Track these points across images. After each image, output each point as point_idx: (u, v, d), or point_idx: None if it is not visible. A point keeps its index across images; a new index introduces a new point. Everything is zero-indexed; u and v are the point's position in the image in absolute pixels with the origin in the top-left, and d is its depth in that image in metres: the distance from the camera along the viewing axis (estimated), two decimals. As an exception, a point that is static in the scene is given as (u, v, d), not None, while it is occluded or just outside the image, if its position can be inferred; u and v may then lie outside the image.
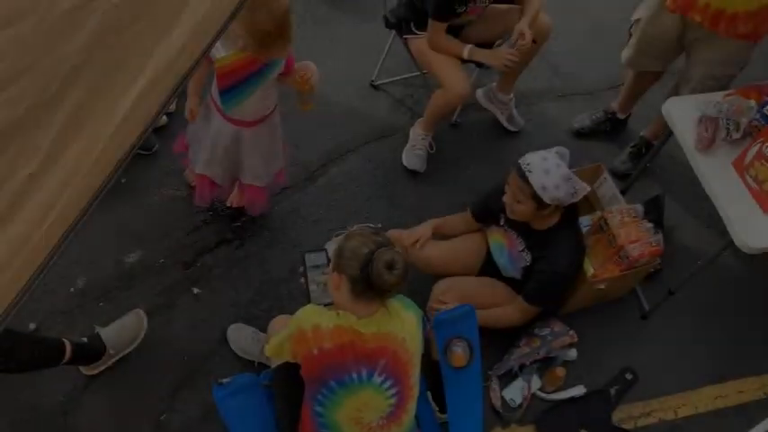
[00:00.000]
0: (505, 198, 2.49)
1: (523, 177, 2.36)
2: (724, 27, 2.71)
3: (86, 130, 0.76)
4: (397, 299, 2.12)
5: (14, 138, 0.69)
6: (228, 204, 3.12)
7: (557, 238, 2.56)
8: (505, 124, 3.60)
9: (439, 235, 2.84)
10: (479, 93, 3.61)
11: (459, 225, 2.86)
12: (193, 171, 2.91)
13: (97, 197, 0.85)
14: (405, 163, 3.39)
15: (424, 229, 2.79)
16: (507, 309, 2.69)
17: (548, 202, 2.37)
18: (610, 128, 3.65)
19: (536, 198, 2.37)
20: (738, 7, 2.64)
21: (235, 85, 2.46)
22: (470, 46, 3.05)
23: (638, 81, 3.40)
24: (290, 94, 3.56)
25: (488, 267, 2.79)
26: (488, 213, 2.76)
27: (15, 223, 0.73)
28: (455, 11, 2.95)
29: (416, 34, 3.16)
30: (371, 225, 3.05)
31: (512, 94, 3.53)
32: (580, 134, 3.65)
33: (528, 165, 2.37)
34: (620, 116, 3.62)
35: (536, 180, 2.34)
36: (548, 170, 2.35)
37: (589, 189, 2.47)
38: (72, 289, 2.85)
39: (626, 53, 3.21)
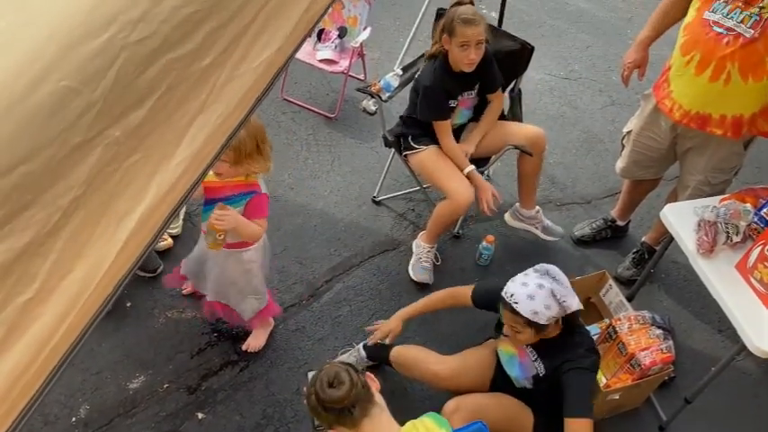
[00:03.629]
0: (505, 330, 2.48)
1: (512, 310, 2.36)
2: (747, 130, 2.77)
3: (85, 257, 0.78)
4: (430, 416, 2.10)
5: (15, 268, 0.71)
6: (245, 348, 3.09)
7: (569, 341, 2.50)
8: (543, 237, 3.58)
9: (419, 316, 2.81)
10: (507, 216, 3.62)
11: (436, 304, 2.82)
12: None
13: (94, 322, 0.85)
14: (413, 277, 3.39)
15: (393, 322, 2.75)
16: None
17: (544, 323, 2.35)
18: (610, 235, 3.68)
19: (532, 324, 2.36)
20: (754, 109, 2.71)
21: (211, 201, 2.56)
22: (472, 167, 3.18)
23: (635, 189, 3.46)
24: (295, 213, 3.63)
25: (499, 379, 2.73)
26: (489, 306, 2.71)
27: (13, 353, 0.73)
28: (449, 105, 3.15)
29: (415, 148, 3.27)
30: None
31: (536, 207, 3.55)
32: (581, 242, 3.67)
33: (512, 296, 2.36)
34: (620, 223, 3.66)
35: (524, 309, 2.33)
36: (531, 295, 2.33)
37: (577, 300, 2.43)
38: (74, 419, 2.78)
39: (620, 164, 3.29)
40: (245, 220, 2.55)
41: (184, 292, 3.17)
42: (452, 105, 3.18)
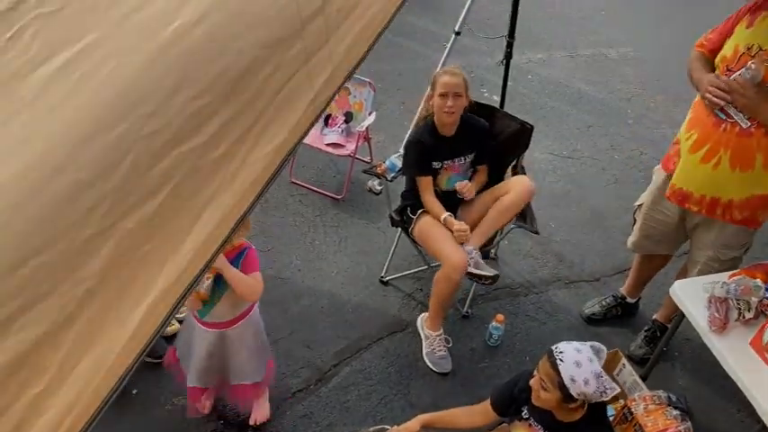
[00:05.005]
0: (532, 382, 2.42)
1: (554, 365, 2.31)
2: (721, 213, 2.80)
3: (96, 347, 0.78)
4: None
5: (28, 360, 0.71)
6: (252, 423, 3.01)
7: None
8: (474, 270, 3.20)
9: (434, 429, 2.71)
10: None
11: (460, 417, 2.74)
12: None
13: (101, 411, 0.84)
14: (432, 368, 3.34)
15: (411, 424, 2.68)
16: None
17: (574, 395, 2.29)
18: (621, 312, 3.64)
19: (562, 388, 2.30)
20: (733, 196, 2.75)
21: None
22: (448, 214, 3.25)
23: (645, 265, 3.45)
24: (302, 295, 3.62)
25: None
26: (510, 405, 2.66)
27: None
28: (431, 166, 3.29)
29: (412, 218, 3.34)
30: (387, 427, 2.94)
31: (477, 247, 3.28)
32: (592, 320, 3.63)
33: (561, 353, 2.32)
34: (630, 300, 3.63)
35: (565, 370, 2.28)
36: (579, 363, 2.29)
37: (619, 390, 2.38)
38: None
39: (631, 238, 3.31)
40: (237, 271, 2.51)
41: (206, 411, 3.06)
42: (437, 167, 3.30)
